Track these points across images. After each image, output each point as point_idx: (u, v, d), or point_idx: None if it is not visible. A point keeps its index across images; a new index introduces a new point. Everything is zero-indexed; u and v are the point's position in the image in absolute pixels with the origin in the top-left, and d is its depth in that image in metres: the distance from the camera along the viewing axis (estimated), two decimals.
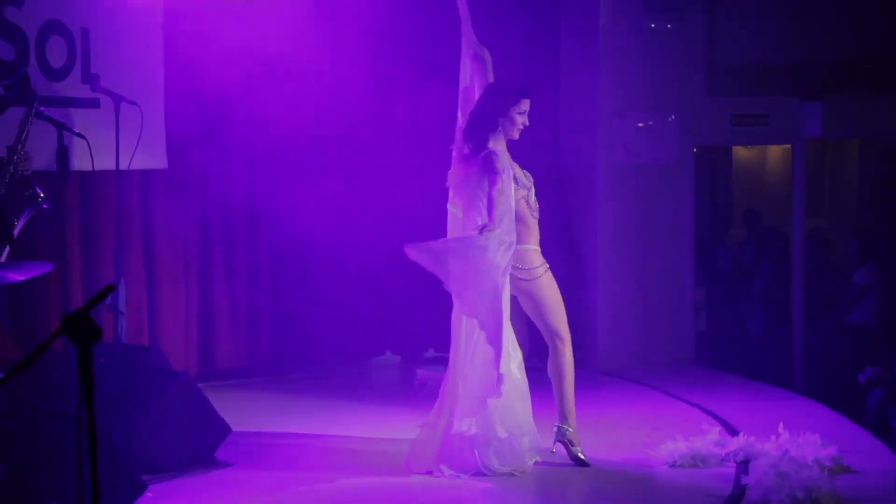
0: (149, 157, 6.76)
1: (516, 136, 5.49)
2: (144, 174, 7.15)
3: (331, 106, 7.77)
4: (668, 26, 8.12)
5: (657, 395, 7.17)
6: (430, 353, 8.20)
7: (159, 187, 7.32)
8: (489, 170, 5.31)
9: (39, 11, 6.50)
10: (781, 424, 5.68)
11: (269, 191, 7.80)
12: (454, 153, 5.55)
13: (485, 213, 5.26)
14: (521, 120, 5.46)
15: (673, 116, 8.25)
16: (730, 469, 5.46)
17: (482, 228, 5.14)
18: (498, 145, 5.43)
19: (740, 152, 11.01)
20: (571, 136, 8.40)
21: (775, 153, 10.83)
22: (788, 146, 9.22)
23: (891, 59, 8.62)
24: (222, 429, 5.64)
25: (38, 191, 5.32)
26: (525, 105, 5.45)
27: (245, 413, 6.52)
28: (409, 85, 7.91)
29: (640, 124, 8.21)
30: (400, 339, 8.17)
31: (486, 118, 5.41)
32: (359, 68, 7.78)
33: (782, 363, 8.66)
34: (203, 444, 5.57)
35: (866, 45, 8.61)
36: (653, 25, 8.11)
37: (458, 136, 5.55)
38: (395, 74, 7.92)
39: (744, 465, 5.43)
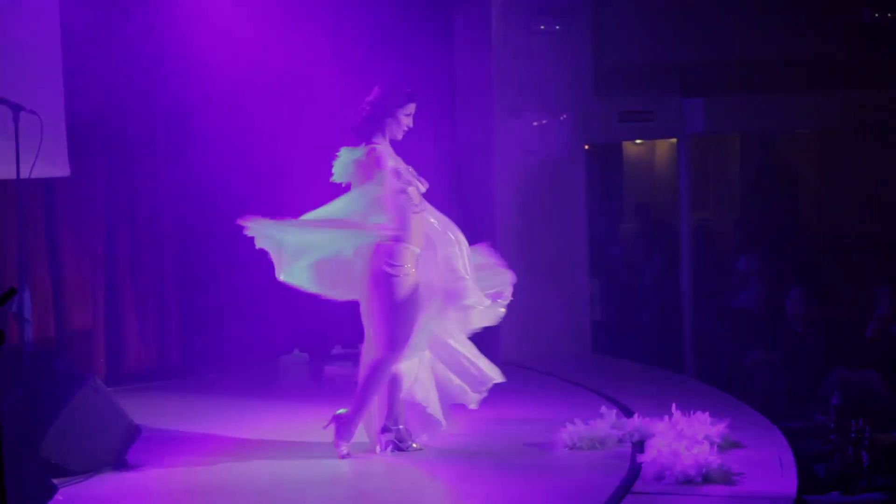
0: (51, 165, 6.75)
1: (399, 136, 5.72)
2: (48, 182, 7.14)
3: (234, 105, 7.86)
4: (557, 27, 8.40)
5: (556, 382, 7.41)
6: (338, 350, 8.32)
7: (63, 195, 7.31)
8: (375, 164, 5.52)
9: None
10: (674, 405, 5.97)
11: (174, 193, 7.84)
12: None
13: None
14: (406, 122, 5.70)
15: (564, 115, 8.53)
16: (626, 449, 5.69)
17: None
18: (382, 145, 5.64)
19: (630, 149, 11.33)
20: (468, 134, 8.63)
21: (663, 149, 11.20)
22: (675, 143, 9.58)
23: (768, 58, 9.04)
24: (133, 431, 5.67)
25: None
26: (411, 108, 5.70)
27: (155, 414, 6.56)
28: (320, 82, 8.02)
29: (535, 123, 8.47)
30: (307, 337, 8.28)
31: (376, 117, 5.64)
32: (266, 61, 7.86)
33: (673, 348, 8.97)
34: (113, 447, 5.60)
35: (745, 45, 9.00)
36: (542, 27, 8.39)
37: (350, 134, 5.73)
38: (304, 67, 8.02)
39: (639, 445, 5.68)
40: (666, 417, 5.89)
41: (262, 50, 7.86)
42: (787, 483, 5.16)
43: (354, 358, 7.69)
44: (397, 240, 5.54)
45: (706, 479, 5.12)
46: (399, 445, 5.70)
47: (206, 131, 7.82)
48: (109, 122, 7.52)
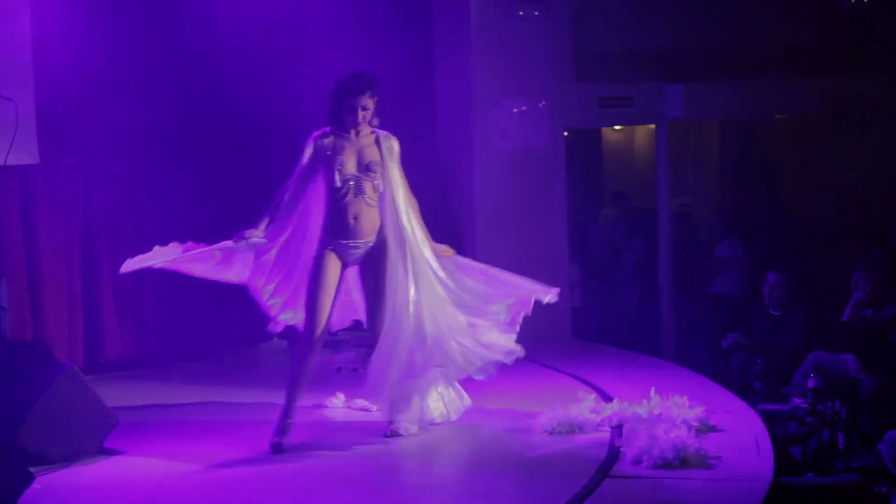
0: (22, 152, 6.72)
1: (358, 127, 5.76)
2: (23, 170, 7.11)
3: (211, 93, 7.86)
4: (536, 14, 8.40)
5: (536, 368, 7.42)
6: None
7: (38, 182, 7.29)
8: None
9: None
10: (652, 389, 6.02)
11: (151, 178, 7.82)
12: None
13: None
14: (362, 114, 5.74)
15: (543, 102, 8.53)
16: (605, 433, 5.71)
17: None
18: (329, 138, 5.77)
19: (610, 135, 11.35)
20: (448, 120, 8.62)
21: (642, 135, 11.23)
22: (654, 128, 9.60)
23: (748, 44, 9.05)
24: (110, 419, 5.66)
25: None
26: (362, 101, 5.72)
27: (133, 402, 6.56)
28: (288, 78, 8.02)
29: (514, 109, 8.47)
30: (287, 325, 8.24)
31: (331, 108, 5.79)
32: (241, 47, 7.87)
33: (653, 333, 9.01)
34: (91, 435, 5.59)
35: (725, 31, 9.01)
36: (521, 13, 8.38)
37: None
38: (275, 68, 8.02)
39: (618, 429, 5.71)
40: (644, 402, 5.93)
41: (237, 38, 7.85)
42: (764, 465, 5.20)
43: (333, 345, 7.72)
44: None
45: (683, 462, 5.15)
46: None
47: (182, 117, 7.78)
48: (81, 109, 7.49)
